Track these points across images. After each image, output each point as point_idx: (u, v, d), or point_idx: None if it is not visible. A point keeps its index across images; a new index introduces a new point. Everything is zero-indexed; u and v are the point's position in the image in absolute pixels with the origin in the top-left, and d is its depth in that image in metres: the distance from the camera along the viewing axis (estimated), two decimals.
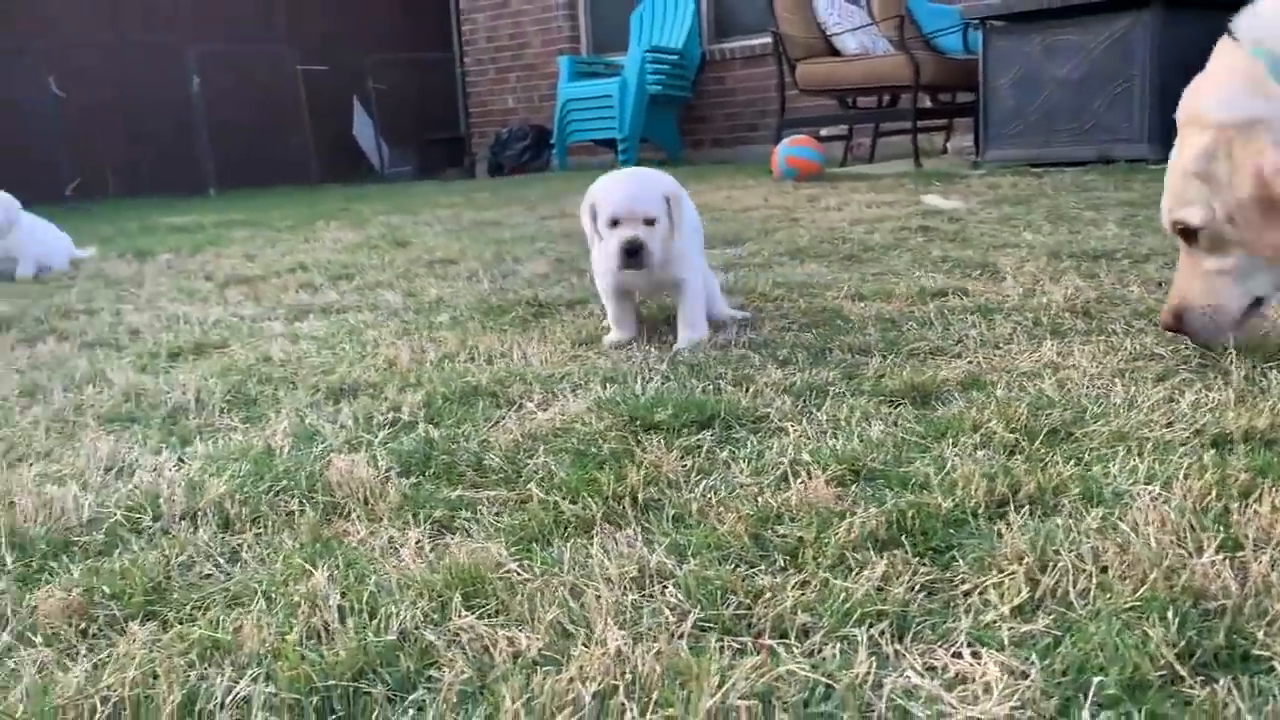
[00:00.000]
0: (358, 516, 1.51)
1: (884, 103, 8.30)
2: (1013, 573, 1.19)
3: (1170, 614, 1.06)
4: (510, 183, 9.46)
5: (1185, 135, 1.98)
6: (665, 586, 1.22)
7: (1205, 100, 1.95)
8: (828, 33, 7.79)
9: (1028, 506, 1.37)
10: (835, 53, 7.80)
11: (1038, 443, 1.60)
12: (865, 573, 1.21)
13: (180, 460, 1.80)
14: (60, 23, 10.53)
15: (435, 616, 1.18)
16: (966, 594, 1.18)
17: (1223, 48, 1.97)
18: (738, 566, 1.26)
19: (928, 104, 7.92)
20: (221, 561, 1.38)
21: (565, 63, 10.11)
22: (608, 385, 2.09)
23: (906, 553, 1.26)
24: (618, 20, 10.49)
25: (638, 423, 1.80)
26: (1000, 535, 1.29)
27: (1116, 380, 1.91)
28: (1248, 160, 1.85)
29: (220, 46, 10.94)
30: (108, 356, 2.74)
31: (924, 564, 1.24)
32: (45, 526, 1.50)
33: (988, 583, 1.18)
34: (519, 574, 1.26)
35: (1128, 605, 1.10)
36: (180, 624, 1.21)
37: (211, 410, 2.13)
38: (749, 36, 9.63)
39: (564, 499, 1.49)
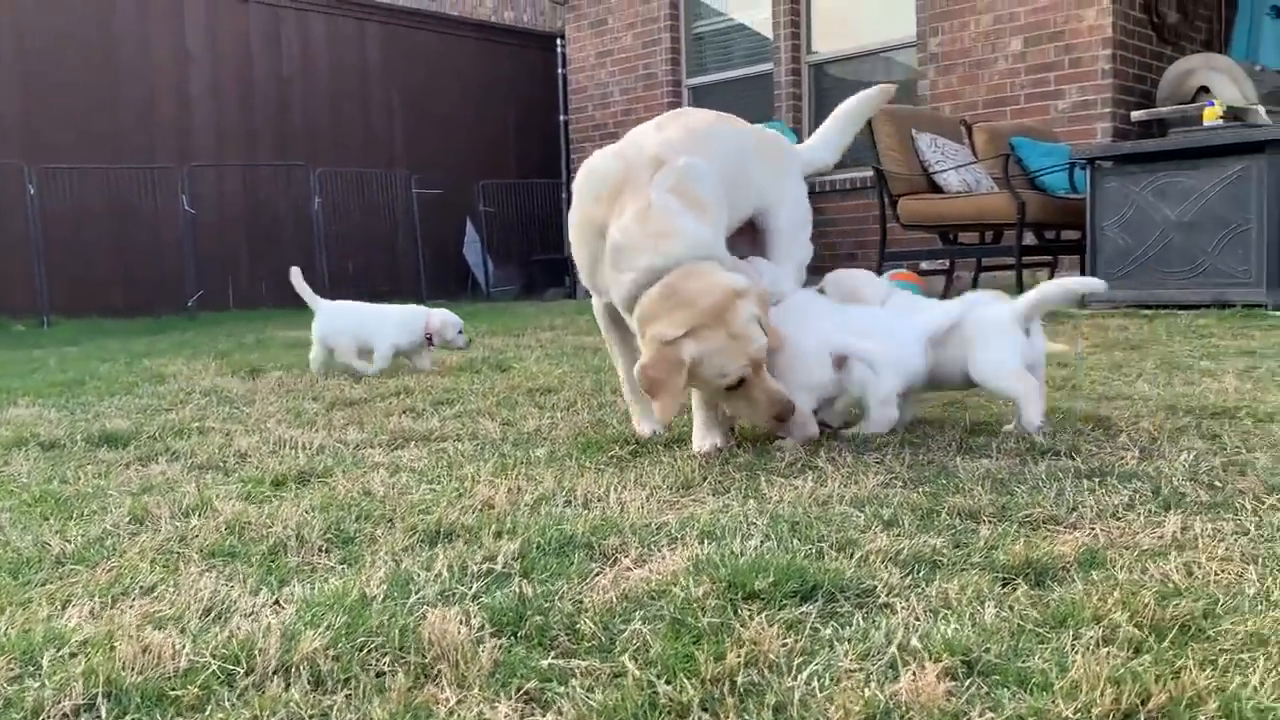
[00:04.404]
0: (448, 681, 1.48)
1: (986, 238, 8.27)
2: None
3: None
4: None
5: None
6: None
7: None
8: (930, 170, 7.83)
9: None
10: (937, 189, 7.81)
11: (1166, 641, 1.49)
12: None
13: (277, 604, 1.81)
14: (198, 148, 11.25)
15: None
16: None
17: None
18: None
19: (1030, 241, 7.85)
20: None
21: None
22: (705, 541, 2.04)
23: None
24: None
25: (737, 590, 1.74)
26: None
27: (1249, 567, 1.79)
28: None
29: (342, 169, 11.53)
30: (215, 481, 2.81)
31: None
32: (141, 675, 1.50)
33: None
34: None
35: None
36: None
37: (311, 547, 2.14)
38: (848, 170, 9.74)
39: (659, 678, 1.43)
